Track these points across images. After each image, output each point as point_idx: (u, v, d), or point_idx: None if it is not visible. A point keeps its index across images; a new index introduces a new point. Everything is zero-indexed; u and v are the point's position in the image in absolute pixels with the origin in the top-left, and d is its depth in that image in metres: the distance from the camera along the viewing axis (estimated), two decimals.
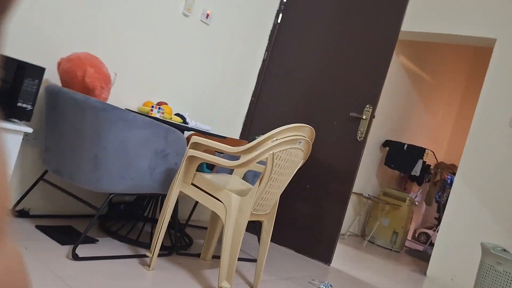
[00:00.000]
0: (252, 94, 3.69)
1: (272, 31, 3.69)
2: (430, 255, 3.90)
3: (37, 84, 1.95)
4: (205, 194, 2.02)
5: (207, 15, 3.08)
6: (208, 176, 2.11)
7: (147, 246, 2.38)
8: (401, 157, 5.02)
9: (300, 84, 3.52)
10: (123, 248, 2.27)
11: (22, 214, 2.33)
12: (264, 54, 3.69)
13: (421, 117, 5.85)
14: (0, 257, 0.42)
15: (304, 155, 2.14)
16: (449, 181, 5.26)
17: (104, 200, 2.14)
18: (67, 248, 2.05)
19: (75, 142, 2.07)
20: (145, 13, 2.70)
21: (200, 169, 2.40)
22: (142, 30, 2.71)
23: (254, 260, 2.74)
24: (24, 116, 1.94)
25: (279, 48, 3.66)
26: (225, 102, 3.45)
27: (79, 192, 2.59)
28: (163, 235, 2.09)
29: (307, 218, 3.30)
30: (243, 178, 2.53)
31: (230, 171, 2.57)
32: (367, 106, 3.16)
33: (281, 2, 3.69)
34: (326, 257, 3.18)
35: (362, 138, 3.15)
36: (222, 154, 2.53)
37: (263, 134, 1.97)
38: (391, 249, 4.80)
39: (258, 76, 3.70)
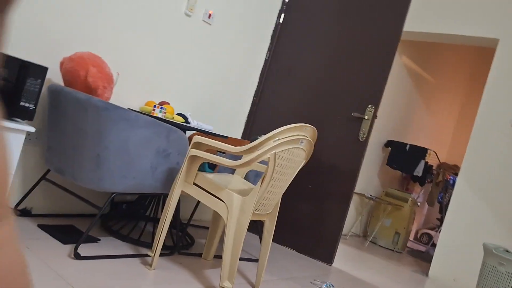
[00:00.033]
0: (254, 94, 3.70)
1: (274, 31, 3.69)
2: (432, 256, 3.90)
3: (40, 84, 1.95)
4: (207, 193, 2.02)
5: (209, 15, 3.08)
6: (210, 175, 2.11)
7: (149, 245, 2.38)
8: (403, 157, 5.01)
9: (302, 84, 3.52)
10: (125, 248, 2.27)
11: (24, 213, 2.34)
12: (266, 54, 3.69)
13: (423, 118, 5.84)
14: (0, 255, 0.42)
15: (306, 155, 2.14)
16: (451, 181, 5.24)
17: (106, 200, 2.14)
18: (69, 247, 2.05)
19: (77, 142, 2.07)
20: (147, 13, 2.71)
21: (202, 168, 2.40)
22: (144, 30, 2.72)
23: (256, 260, 2.74)
24: (26, 115, 1.94)
25: (281, 48, 3.66)
26: (227, 102, 3.45)
27: (81, 191, 2.59)
28: (165, 235, 2.09)
29: (309, 218, 3.30)
30: (245, 178, 2.53)
31: (232, 170, 2.58)
32: (369, 106, 3.16)
33: (283, 2, 3.69)
34: (327, 257, 3.17)
35: (364, 138, 3.15)
36: (224, 154, 2.53)
37: (265, 133, 1.97)
38: (393, 250, 4.80)
39: (260, 76, 3.70)
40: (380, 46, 3.21)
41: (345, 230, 4.73)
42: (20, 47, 2.18)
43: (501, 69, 3.76)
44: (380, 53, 3.20)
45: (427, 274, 3.87)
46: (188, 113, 3.14)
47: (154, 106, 2.46)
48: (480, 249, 3.60)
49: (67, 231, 2.27)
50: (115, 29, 2.56)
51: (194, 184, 2.07)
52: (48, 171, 2.35)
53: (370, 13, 3.29)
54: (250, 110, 3.69)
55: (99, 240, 2.27)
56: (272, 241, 3.37)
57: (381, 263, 3.92)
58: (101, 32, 2.50)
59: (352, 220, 4.89)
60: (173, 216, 2.35)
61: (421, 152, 4.99)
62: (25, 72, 1.89)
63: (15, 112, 1.91)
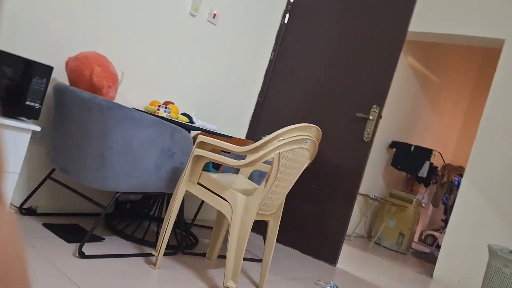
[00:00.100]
0: (259, 94, 3.69)
1: (279, 31, 3.69)
2: (436, 257, 3.88)
3: (45, 83, 1.96)
4: (211, 193, 2.02)
5: (214, 15, 3.09)
6: (214, 175, 2.11)
7: (153, 245, 2.38)
8: (408, 158, 4.99)
9: (306, 84, 3.52)
10: (129, 247, 2.28)
11: (29, 212, 2.35)
12: (271, 54, 3.69)
13: (429, 118, 5.82)
14: None
15: (311, 155, 2.14)
16: (456, 182, 5.22)
17: (111, 199, 2.14)
18: (74, 246, 2.06)
19: (82, 141, 2.08)
20: (151, 12, 2.71)
21: (206, 168, 2.40)
22: (149, 29, 2.72)
23: (260, 260, 2.74)
24: (32, 114, 1.95)
25: (286, 48, 3.66)
26: (231, 102, 3.45)
27: (86, 190, 2.60)
28: (169, 234, 2.09)
29: (313, 219, 3.29)
30: (249, 178, 2.53)
31: (236, 170, 2.57)
32: (374, 106, 3.15)
33: (288, 2, 3.69)
34: (331, 258, 3.17)
35: (369, 139, 3.14)
36: (228, 154, 2.53)
37: (269, 134, 1.96)
38: (397, 251, 4.78)
39: (264, 76, 3.70)
40: (385, 46, 3.20)
41: (349, 231, 4.72)
42: (26, 46, 2.19)
43: (507, 70, 3.74)
44: (385, 53, 3.19)
45: (431, 276, 3.86)
46: (193, 113, 3.15)
47: (159, 106, 2.47)
48: (485, 251, 3.58)
49: (72, 230, 2.28)
50: (119, 29, 2.57)
51: (198, 183, 2.07)
52: (53, 170, 2.36)
53: (375, 13, 3.29)
54: (254, 110, 3.69)
55: (104, 239, 2.28)
56: (276, 241, 3.37)
57: (385, 264, 3.90)
58: (106, 32, 2.51)
59: (356, 221, 4.88)
60: (177, 215, 2.35)
61: (426, 153, 4.97)
62: (31, 72, 1.90)
63: (21, 111, 1.92)
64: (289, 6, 3.69)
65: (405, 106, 5.18)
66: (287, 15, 3.69)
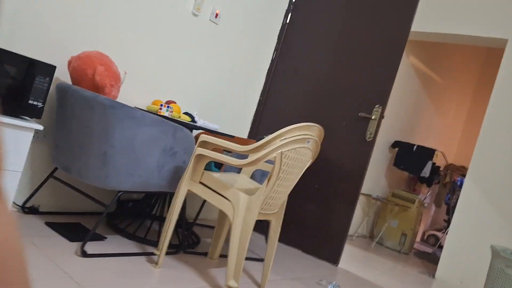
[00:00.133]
0: (261, 93, 3.69)
1: (281, 30, 3.68)
2: (439, 258, 3.87)
3: (48, 82, 1.97)
4: (213, 192, 2.02)
5: (216, 14, 3.09)
6: (216, 174, 2.11)
7: (155, 244, 2.38)
8: (410, 158, 4.98)
9: (308, 84, 3.51)
10: (131, 246, 2.28)
11: (32, 210, 2.36)
12: (273, 53, 3.69)
13: (431, 118, 5.81)
14: None
15: (313, 154, 2.14)
16: (458, 183, 5.21)
17: (113, 198, 2.15)
18: (76, 245, 2.06)
19: (84, 140, 2.08)
20: (153, 12, 2.71)
21: (208, 167, 2.40)
22: (151, 29, 2.73)
23: (262, 260, 2.74)
24: (35, 113, 1.95)
25: (288, 47, 3.66)
26: (233, 101, 3.45)
27: (88, 189, 2.61)
28: (171, 234, 2.09)
29: (315, 219, 3.29)
30: (251, 177, 2.53)
31: (238, 170, 2.57)
32: (376, 106, 3.15)
33: (290, 2, 3.68)
34: (333, 258, 3.16)
35: (371, 139, 3.14)
36: (230, 153, 2.53)
37: (271, 133, 1.96)
38: (400, 251, 4.77)
39: (266, 75, 3.70)
40: (388, 46, 3.19)
41: (351, 230, 4.72)
42: (29, 45, 2.20)
43: (510, 70, 3.73)
44: (387, 53, 3.18)
45: (433, 276, 3.85)
46: (195, 112, 3.15)
47: (161, 105, 2.47)
48: (487, 251, 3.57)
49: (74, 229, 2.28)
50: (121, 28, 2.57)
51: (200, 182, 2.07)
52: (56, 169, 2.37)
53: (378, 13, 3.28)
54: (256, 109, 3.69)
55: (106, 238, 2.28)
56: (278, 241, 3.37)
57: (388, 264, 3.90)
58: (108, 31, 2.51)
59: (358, 221, 4.87)
60: (179, 214, 2.35)
61: (428, 153, 4.96)
62: (34, 71, 1.91)
63: (24, 110, 1.92)
64: (291, 6, 3.68)
65: (407, 106, 5.16)
66: (289, 15, 3.69)
